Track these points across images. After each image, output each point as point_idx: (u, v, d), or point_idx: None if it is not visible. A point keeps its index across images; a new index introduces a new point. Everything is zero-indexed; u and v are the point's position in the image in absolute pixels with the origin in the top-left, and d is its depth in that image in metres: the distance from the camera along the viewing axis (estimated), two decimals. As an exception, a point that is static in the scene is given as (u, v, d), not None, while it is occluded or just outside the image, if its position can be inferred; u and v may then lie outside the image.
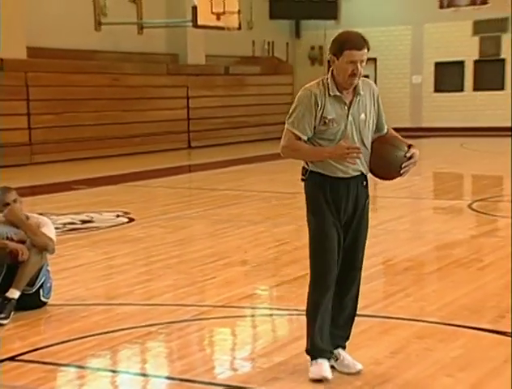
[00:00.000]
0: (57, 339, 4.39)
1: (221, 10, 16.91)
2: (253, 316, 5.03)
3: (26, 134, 14.86)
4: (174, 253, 6.80)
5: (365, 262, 3.86)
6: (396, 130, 3.87)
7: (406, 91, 22.52)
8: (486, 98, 21.54)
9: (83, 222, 8.39)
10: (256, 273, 6.04)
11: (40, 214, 5.54)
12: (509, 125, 20.70)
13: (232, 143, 19.14)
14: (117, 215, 8.80)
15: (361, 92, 3.63)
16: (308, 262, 3.77)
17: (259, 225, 8.05)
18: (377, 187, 8.80)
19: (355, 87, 3.60)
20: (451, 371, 3.80)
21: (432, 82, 22.39)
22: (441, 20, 21.74)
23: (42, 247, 4.93)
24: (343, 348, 3.83)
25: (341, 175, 3.61)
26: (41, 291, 4.98)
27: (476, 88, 21.73)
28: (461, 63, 21.78)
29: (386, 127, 3.78)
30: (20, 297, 4.82)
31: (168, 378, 3.88)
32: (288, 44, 23.58)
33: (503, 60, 21.29)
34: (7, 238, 4.92)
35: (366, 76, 3.78)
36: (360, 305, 3.89)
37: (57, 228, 5.67)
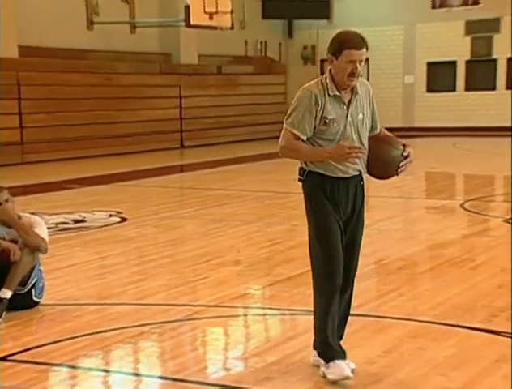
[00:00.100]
0: (50, 339, 4.38)
1: (214, 10, 16.91)
2: (245, 316, 5.03)
3: (18, 134, 14.81)
4: (167, 252, 6.79)
5: (359, 262, 3.86)
6: (389, 129, 3.88)
7: (398, 91, 22.56)
8: (478, 98, 21.61)
9: (75, 222, 8.37)
10: (249, 273, 6.03)
11: (33, 213, 5.52)
12: (501, 124, 20.78)
13: (224, 142, 19.13)
14: (110, 215, 8.78)
15: (359, 92, 3.63)
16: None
17: (252, 225, 8.05)
18: (369, 187, 8.80)
19: (353, 87, 3.60)
20: (444, 370, 3.81)
21: (424, 82, 22.44)
22: (434, 20, 21.79)
23: (34, 247, 4.91)
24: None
25: (341, 175, 3.61)
26: (33, 291, 4.97)
27: (468, 88, 21.79)
28: (453, 63, 21.84)
29: (379, 127, 3.79)
30: (12, 296, 4.80)
31: (161, 377, 3.87)
32: (280, 43, 23.59)
33: (495, 60, 21.36)
34: (-1, 238, 4.91)
35: None
36: (353, 304, 3.89)
37: (49, 228, 5.65)
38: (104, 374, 3.96)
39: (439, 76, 22.06)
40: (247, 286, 5.61)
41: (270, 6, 22.48)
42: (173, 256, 6.68)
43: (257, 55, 22.42)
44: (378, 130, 3.79)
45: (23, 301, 4.92)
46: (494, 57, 21.34)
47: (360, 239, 3.77)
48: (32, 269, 4.94)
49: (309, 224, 3.71)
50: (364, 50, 3.53)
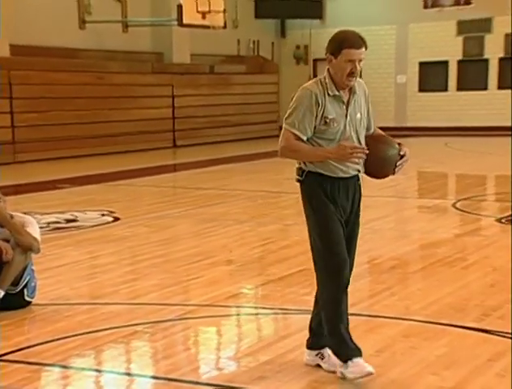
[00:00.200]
0: (42, 339, 4.36)
1: (206, 9, 16.90)
2: (238, 315, 5.03)
3: (9, 133, 14.75)
4: (159, 252, 6.78)
5: (354, 261, 3.86)
6: (381, 129, 3.89)
7: (390, 90, 22.59)
8: (470, 98, 21.67)
9: (68, 221, 8.35)
10: (241, 272, 6.03)
11: (25, 213, 5.51)
12: (492, 124, 20.85)
13: (217, 142, 19.12)
14: (102, 214, 8.76)
15: (357, 92, 3.63)
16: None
17: (244, 224, 8.04)
18: (362, 186, 8.81)
19: (351, 87, 3.60)
20: (436, 369, 3.82)
21: (416, 81, 22.48)
22: (426, 20, 21.83)
23: (27, 247, 4.89)
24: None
25: (341, 175, 3.60)
26: (25, 290, 4.95)
27: (460, 88, 21.85)
28: (445, 63, 21.89)
29: (373, 126, 3.79)
30: (4, 296, 4.79)
31: (154, 377, 3.86)
32: (273, 43, 23.59)
33: (486, 60, 21.42)
34: (-9, 237, 4.89)
35: None
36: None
37: (41, 228, 5.63)
38: (96, 373, 3.95)
39: (431, 76, 22.10)
40: (240, 286, 5.61)
41: (263, 6, 22.47)
42: (166, 256, 6.67)
43: (249, 54, 22.41)
44: (372, 130, 3.79)
45: (15, 301, 4.90)
46: (486, 57, 21.40)
47: (357, 238, 3.77)
48: (25, 269, 4.92)
49: (309, 225, 3.67)
50: (364, 49, 3.53)
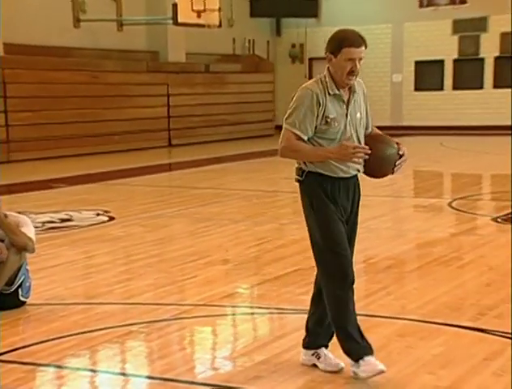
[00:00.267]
0: (36, 339, 4.34)
1: (202, 8, 16.87)
2: (234, 315, 5.01)
3: (3, 132, 14.72)
4: (154, 252, 6.76)
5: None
6: (377, 128, 3.87)
7: (386, 89, 22.61)
8: (465, 97, 21.70)
9: (62, 221, 8.32)
10: (237, 272, 6.02)
11: (19, 212, 5.48)
12: (488, 123, 20.88)
13: (212, 141, 19.10)
14: (97, 214, 8.73)
15: (357, 91, 3.62)
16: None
17: (240, 224, 8.03)
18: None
19: (350, 86, 3.58)
20: (432, 368, 3.81)
21: (412, 80, 22.50)
22: (421, 19, 21.85)
23: (21, 247, 4.87)
24: (326, 346, 3.82)
25: (342, 174, 3.58)
26: (20, 290, 4.93)
27: (456, 87, 21.88)
28: (441, 62, 21.91)
29: (371, 126, 3.78)
30: (-2, 296, 4.77)
31: (149, 377, 3.85)
32: (268, 42, 23.58)
33: (482, 59, 21.45)
34: (-15, 237, 4.86)
35: None
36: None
37: (35, 227, 5.61)
38: (91, 374, 3.93)
39: (427, 75, 22.13)
40: (235, 285, 5.59)
41: (258, 4, 22.46)
42: (161, 255, 6.65)
43: (245, 53, 22.40)
44: (370, 129, 3.78)
45: (10, 301, 4.88)
46: (481, 56, 21.43)
47: (355, 238, 3.76)
48: (19, 268, 4.90)
49: (309, 226, 3.65)
50: (363, 48, 3.51)
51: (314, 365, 3.82)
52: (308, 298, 3.90)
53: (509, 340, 4.19)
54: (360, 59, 3.50)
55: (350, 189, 3.64)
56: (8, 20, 15.11)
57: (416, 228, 7.78)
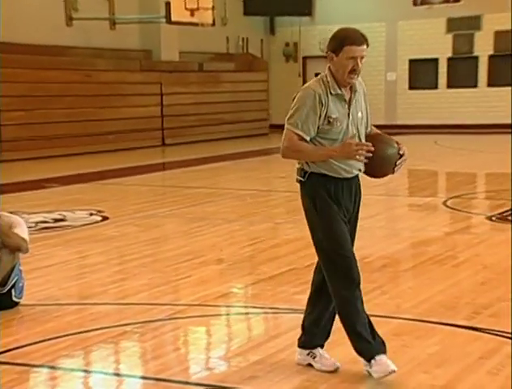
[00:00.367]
0: (30, 340, 4.32)
1: (195, 6, 16.84)
2: (228, 315, 5.00)
3: (-4, 131, 14.66)
4: (148, 252, 6.73)
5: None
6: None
7: (381, 88, 22.60)
8: (460, 95, 21.72)
9: (56, 220, 8.28)
10: (231, 271, 6.00)
11: (11, 212, 5.45)
12: (482, 122, 20.92)
13: (206, 140, 19.06)
14: (91, 214, 8.70)
15: (358, 90, 3.61)
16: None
17: (234, 223, 8.01)
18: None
19: (352, 85, 3.56)
20: (428, 367, 3.80)
21: (406, 79, 22.51)
22: (415, 18, 21.87)
23: (15, 248, 4.84)
24: (322, 346, 3.81)
25: (345, 175, 3.56)
26: (13, 291, 4.90)
27: (450, 86, 21.90)
28: (435, 60, 21.93)
29: (370, 125, 3.77)
30: (-9, 297, 4.74)
31: (144, 377, 3.83)
32: (262, 40, 23.55)
33: (476, 57, 21.48)
34: (-22, 237, 4.83)
35: None
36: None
37: (29, 227, 5.57)
38: (85, 374, 3.92)
39: (421, 73, 22.14)
40: (230, 285, 5.58)
41: (252, 3, 22.43)
42: (155, 255, 6.63)
43: (238, 52, 22.37)
44: (369, 129, 3.77)
45: (3, 302, 4.85)
46: (476, 54, 21.46)
47: (355, 237, 3.76)
48: (12, 269, 4.88)
49: (311, 227, 3.62)
50: (365, 46, 3.49)
51: (310, 365, 3.80)
52: (303, 297, 3.89)
53: (505, 339, 4.19)
54: (362, 57, 3.49)
55: (352, 189, 3.63)
56: (0, 19, 15.03)
57: (411, 227, 7.78)
